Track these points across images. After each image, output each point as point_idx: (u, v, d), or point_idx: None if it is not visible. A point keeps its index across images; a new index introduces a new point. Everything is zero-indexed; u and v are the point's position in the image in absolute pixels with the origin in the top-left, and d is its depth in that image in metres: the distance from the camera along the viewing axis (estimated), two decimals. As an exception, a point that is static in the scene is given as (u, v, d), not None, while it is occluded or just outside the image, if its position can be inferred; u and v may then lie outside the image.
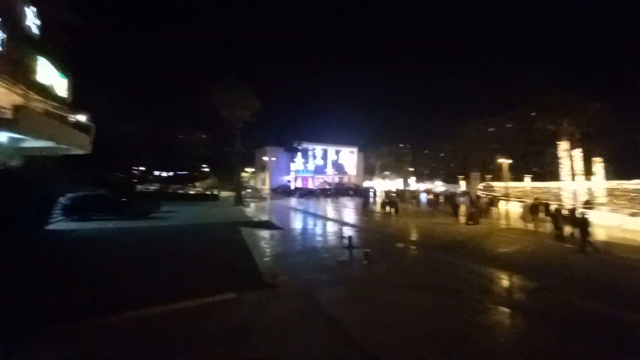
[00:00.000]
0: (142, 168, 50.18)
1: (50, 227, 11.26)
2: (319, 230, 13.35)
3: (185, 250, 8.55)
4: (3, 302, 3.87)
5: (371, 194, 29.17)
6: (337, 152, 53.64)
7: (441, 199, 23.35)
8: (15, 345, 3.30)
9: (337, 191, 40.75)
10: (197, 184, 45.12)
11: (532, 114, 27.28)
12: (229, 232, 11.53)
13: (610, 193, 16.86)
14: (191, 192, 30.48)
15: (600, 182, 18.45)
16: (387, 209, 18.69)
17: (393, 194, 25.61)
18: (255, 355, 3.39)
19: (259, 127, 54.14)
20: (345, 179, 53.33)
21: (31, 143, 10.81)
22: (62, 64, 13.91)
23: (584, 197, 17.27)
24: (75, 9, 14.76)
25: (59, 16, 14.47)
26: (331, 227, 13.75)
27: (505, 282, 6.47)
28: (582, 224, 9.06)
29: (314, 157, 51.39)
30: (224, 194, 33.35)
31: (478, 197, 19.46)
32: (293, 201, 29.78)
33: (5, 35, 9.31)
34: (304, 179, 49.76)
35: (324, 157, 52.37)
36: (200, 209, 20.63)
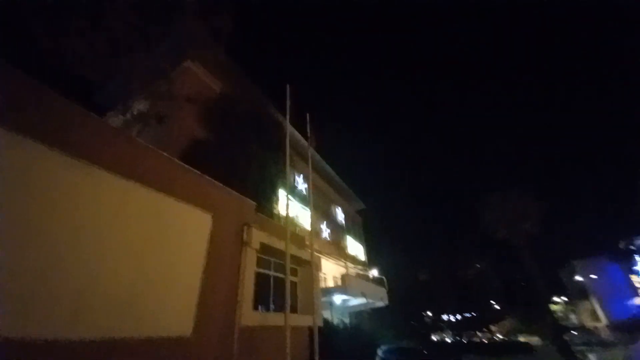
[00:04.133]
0: (430, 313, 49.96)
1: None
2: None
3: None
4: None
5: None
6: None
7: None
8: None
9: None
10: (493, 327, 37.09)
11: None
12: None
13: None
14: (492, 341, 24.46)
15: None
16: None
17: None
18: None
19: (551, 235, 41.97)
20: None
21: (352, 302, 14.17)
22: (359, 237, 19.41)
23: None
24: (359, 199, 21.67)
25: (353, 206, 21.58)
26: None
27: None
28: None
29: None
30: (535, 340, 24.25)
31: None
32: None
33: (330, 230, 14.84)
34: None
35: None
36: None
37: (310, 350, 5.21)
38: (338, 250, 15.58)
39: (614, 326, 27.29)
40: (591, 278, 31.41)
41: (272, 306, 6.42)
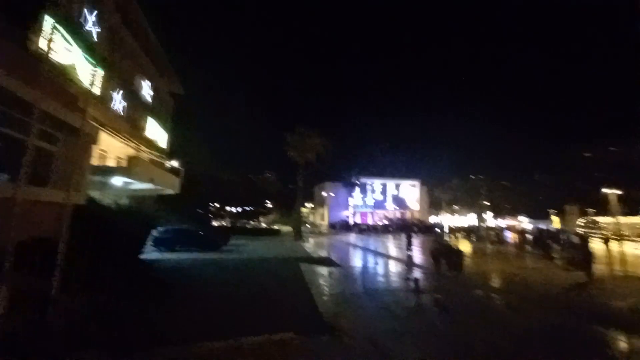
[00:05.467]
0: (217, 205, 56.27)
1: (143, 256, 13.11)
2: (380, 269, 12.44)
3: (248, 284, 8.92)
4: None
5: (438, 230, 26.63)
6: (397, 186, 51.58)
7: (528, 238, 19.79)
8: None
9: (399, 227, 38.39)
10: (262, 219, 48.19)
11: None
12: (290, 267, 11.66)
13: None
14: (256, 227, 32.87)
15: None
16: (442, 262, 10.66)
17: (458, 235, 22.72)
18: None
19: (319, 164, 56.61)
20: (408, 214, 50.26)
21: (137, 185, 13.21)
22: (165, 122, 17.19)
23: None
24: (178, 80, 18.67)
25: (167, 86, 18.31)
26: (394, 267, 12.70)
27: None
28: None
29: (373, 191, 50.36)
30: (285, 228, 34.61)
31: (584, 235, 15.64)
32: (352, 237, 29.00)
33: (126, 103, 12.11)
34: (363, 215, 48.64)
35: (384, 191, 50.86)
36: (264, 243, 21.71)
37: (61, 228, 4.72)
38: (132, 130, 13.22)
39: (330, 225, 43.94)
40: (330, 195, 47.33)
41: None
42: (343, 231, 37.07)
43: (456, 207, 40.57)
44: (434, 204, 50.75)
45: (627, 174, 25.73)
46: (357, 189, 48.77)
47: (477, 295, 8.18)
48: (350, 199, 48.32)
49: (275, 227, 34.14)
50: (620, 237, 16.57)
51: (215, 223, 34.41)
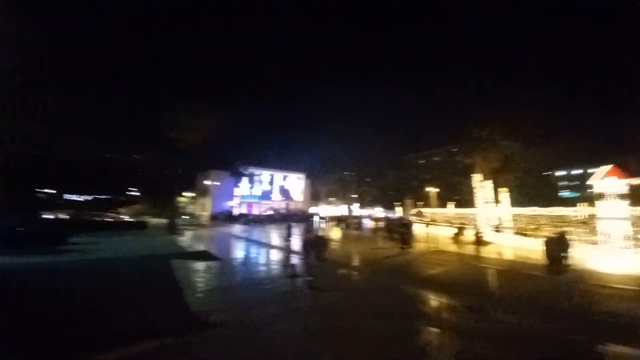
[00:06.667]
0: (53, 191, 42.45)
1: None
2: (261, 259, 12.85)
3: (94, 292, 7.28)
4: None
5: (315, 219, 29.57)
6: (285, 178, 53.67)
7: (380, 224, 24.90)
8: None
9: (284, 217, 40.21)
10: (123, 210, 39.72)
11: (454, 149, 31.89)
12: (156, 266, 10.27)
13: (516, 219, 20.10)
14: (111, 220, 26.25)
15: (505, 209, 22.01)
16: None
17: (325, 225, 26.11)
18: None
19: (202, 150, 51.49)
20: (292, 205, 53.19)
21: None
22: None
23: (493, 222, 20.32)
24: None
25: None
26: (275, 256, 13.37)
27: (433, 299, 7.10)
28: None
29: (260, 182, 50.45)
30: (156, 221, 29.99)
31: (409, 222, 21.16)
32: (236, 229, 28.26)
33: None
34: (250, 205, 48.06)
35: (271, 182, 51.81)
36: (124, 239, 18.01)
37: None
38: None
39: (212, 216, 40.98)
40: (214, 184, 44.20)
41: None
42: (227, 223, 35.51)
43: (332, 199, 46.02)
44: (315, 196, 55.74)
45: (443, 176, 36.33)
46: (245, 179, 47.61)
47: (340, 274, 9.85)
48: (236, 189, 46.62)
49: (144, 219, 28.83)
50: (435, 223, 23.31)
51: (49, 215, 25.69)
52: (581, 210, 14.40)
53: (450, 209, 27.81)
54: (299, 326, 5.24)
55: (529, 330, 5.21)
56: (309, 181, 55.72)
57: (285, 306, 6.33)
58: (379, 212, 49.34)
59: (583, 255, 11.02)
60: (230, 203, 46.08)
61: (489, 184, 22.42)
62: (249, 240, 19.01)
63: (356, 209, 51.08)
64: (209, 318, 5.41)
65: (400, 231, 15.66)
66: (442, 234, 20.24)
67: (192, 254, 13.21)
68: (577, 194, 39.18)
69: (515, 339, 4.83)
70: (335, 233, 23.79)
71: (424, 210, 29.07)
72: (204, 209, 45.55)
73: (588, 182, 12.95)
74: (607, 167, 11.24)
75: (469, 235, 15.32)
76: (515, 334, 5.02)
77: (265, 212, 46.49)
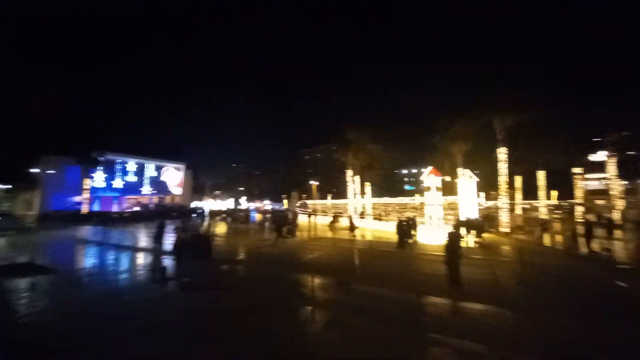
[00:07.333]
0: None
1: None
2: (121, 266, 10.65)
3: None
4: None
5: (198, 214, 26.98)
6: (159, 169, 45.96)
7: (268, 217, 25.21)
8: None
9: (157, 214, 34.53)
10: None
11: (334, 148, 35.69)
12: None
13: (374, 207, 24.60)
14: None
15: (369, 199, 26.59)
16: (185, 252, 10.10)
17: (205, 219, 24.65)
18: None
19: (30, 126, 37.40)
20: (168, 200, 46.41)
21: None
22: None
23: (360, 210, 24.27)
24: None
25: None
26: (141, 260, 11.37)
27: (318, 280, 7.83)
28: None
29: (125, 172, 41.38)
30: None
31: (295, 213, 22.48)
32: (85, 231, 22.16)
33: None
34: (106, 200, 38.61)
35: (140, 173, 43.32)
36: None
37: None
38: None
39: (43, 215, 30.22)
40: (48, 173, 33.03)
41: None
42: (71, 223, 27.17)
43: (218, 192, 43.04)
44: (199, 189, 50.62)
45: (324, 172, 40.16)
46: (100, 169, 37.85)
47: (221, 270, 9.40)
48: (86, 180, 36.28)
49: None
50: (316, 213, 25.52)
51: None
52: (416, 199, 19.27)
53: (329, 200, 31.20)
54: (163, 338, 4.66)
55: (381, 296, 6.59)
56: (190, 172, 49.89)
57: (148, 317, 5.49)
58: (267, 204, 49.74)
59: (421, 233, 14.72)
60: (77, 198, 35.54)
61: (358, 178, 26.48)
62: (102, 245, 15.31)
63: (244, 203, 49.61)
64: (37, 350, 4.08)
65: (283, 222, 16.52)
66: (322, 223, 22.47)
67: (4, 267, 9.45)
68: (413, 187, 51.73)
69: (371, 304, 6.03)
70: (221, 228, 22.40)
71: (308, 201, 31.35)
72: (29, 205, 33.32)
73: (421, 178, 17.38)
74: (430, 168, 15.34)
75: (343, 222, 17.68)
76: (371, 301, 6.26)
77: (129, 209, 38.59)
